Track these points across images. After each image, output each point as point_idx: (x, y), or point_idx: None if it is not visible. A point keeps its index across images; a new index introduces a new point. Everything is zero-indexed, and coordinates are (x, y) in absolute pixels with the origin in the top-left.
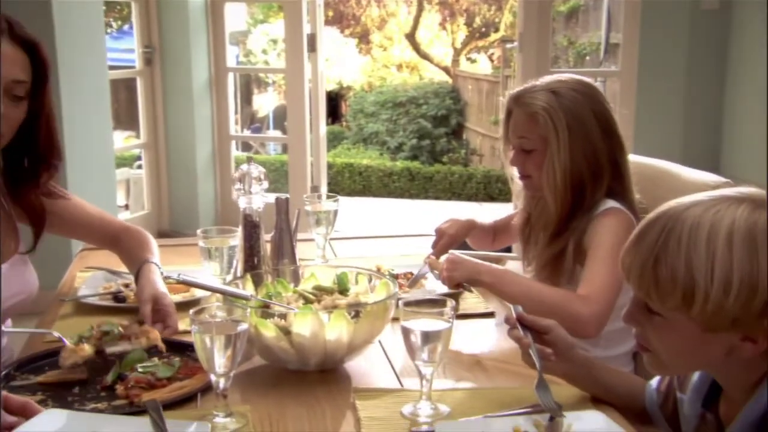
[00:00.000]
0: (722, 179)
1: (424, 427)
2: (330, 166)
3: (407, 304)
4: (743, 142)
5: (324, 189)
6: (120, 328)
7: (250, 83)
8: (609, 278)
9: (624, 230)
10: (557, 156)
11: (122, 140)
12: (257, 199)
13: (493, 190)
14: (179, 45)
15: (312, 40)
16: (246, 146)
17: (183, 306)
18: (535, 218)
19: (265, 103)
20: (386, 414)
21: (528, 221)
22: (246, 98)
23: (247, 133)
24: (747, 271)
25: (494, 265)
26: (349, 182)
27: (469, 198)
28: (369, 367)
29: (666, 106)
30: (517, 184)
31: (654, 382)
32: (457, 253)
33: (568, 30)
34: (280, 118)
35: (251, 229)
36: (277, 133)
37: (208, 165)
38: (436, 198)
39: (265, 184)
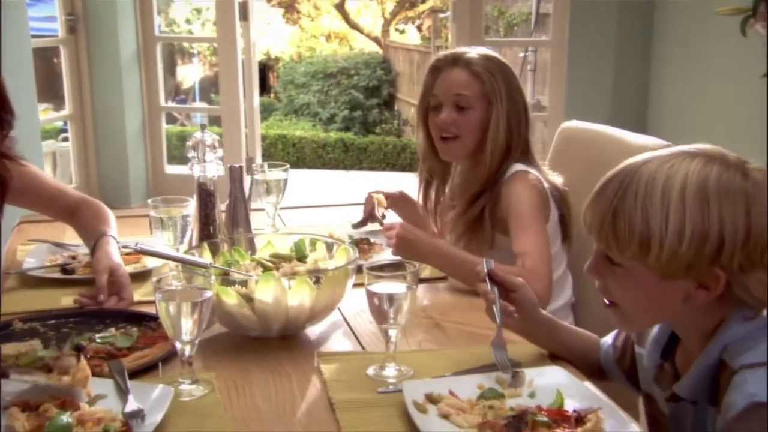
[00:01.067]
0: (665, 142)
1: (390, 388)
2: (263, 138)
3: (371, 268)
4: (669, 106)
5: (259, 160)
6: (54, 357)
7: (173, 54)
8: (542, 245)
9: (536, 191)
10: (502, 118)
11: (39, 112)
12: (212, 167)
13: None
14: (105, 13)
15: (244, 8)
16: (170, 118)
17: (135, 277)
18: (459, 182)
19: (189, 74)
20: (352, 376)
21: (429, 183)
22: (170, 69)
23: (172, 104)
24: (698, 221)
25: (442, 245)
26: (282, 154)
27: (404, 168)
28: (329, 333)
29: (596, 74)
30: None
31: (609, 338)
32: (408, 228)
33: (498, 0)
34: (206, 89)
35: (206, 197)
36: (204, 105)
37: (137, 137)
38: (371, 169)
39: (220, 152)
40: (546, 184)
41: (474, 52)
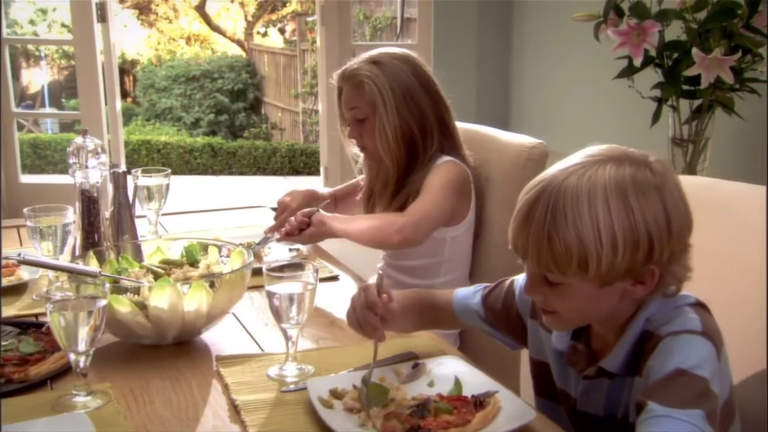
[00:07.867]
0: (536, 140)
1: (292, 386)
2: (125, 144)
3: (271, 269)
4: (529, 105)
5: (123, 167)
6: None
7: (16, 57)
8: (429, 205)
9: (455, 173)
10: (386, 118)
11: None
12: (94, 173)
13: (297, 163)
14: None
15: (102, 9)
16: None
17: (10, 290)
18: (378, 184)
19: (36, 78)
20: (253, 378)
21: (371, 193)
22: (14, 73)
23: (23, 110)
24: (627, 226)
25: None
26: (146, 160)
27: (275, 172)
28: (225, 337)
29: (460, 75)
30: (359, 161)
31: (467, 295)
32: (326, 214)
33: (363, 4)
34: (56, 94)
35: (90, 204)
36: (54, 111)
37: None
38: (241, 173)
39: (103, 158)
40: (470, 175)
41: (362, 59)
